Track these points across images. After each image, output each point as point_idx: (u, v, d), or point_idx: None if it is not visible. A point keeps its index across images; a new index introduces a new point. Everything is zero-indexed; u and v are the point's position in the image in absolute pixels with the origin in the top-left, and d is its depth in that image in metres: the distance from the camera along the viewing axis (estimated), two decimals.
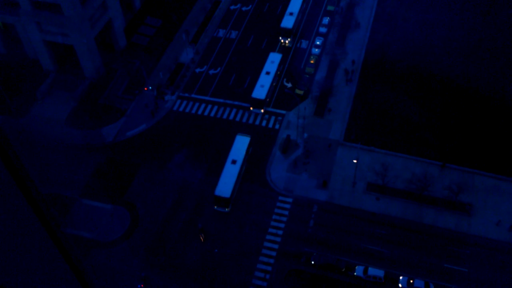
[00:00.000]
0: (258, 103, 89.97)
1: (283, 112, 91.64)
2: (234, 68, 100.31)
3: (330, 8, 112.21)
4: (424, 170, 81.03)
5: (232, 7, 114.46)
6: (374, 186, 79.90)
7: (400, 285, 69.29)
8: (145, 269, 71.45)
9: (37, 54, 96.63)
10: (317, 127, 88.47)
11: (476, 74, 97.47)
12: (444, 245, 73.61)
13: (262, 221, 76.54)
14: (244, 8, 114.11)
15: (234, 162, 79.07)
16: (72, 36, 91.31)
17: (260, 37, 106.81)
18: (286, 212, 77.60)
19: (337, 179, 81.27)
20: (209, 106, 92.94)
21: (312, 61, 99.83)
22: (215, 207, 76.76)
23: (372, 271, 70.01)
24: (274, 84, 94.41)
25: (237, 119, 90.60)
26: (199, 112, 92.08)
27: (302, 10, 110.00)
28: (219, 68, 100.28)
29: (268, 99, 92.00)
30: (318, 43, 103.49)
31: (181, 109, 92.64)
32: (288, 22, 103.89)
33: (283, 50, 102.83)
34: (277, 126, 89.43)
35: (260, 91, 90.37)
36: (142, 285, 69.23)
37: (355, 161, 79.05)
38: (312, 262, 71.22)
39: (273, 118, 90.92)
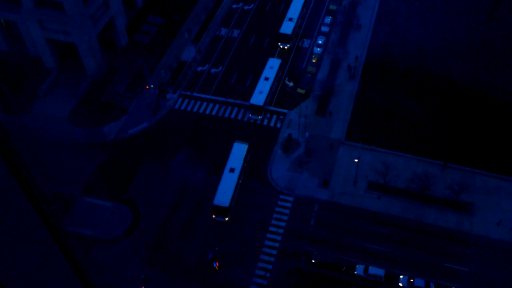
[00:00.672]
0: (257, 110, 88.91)
1: (285, 111, 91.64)
2: (235, 67, 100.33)
3: (332, 7, 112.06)
4: (425, 169, 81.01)
5: (234, 6, 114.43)
6: (375, 185, 79.90)
7: (400, 284, 69.33)
8: (145, 267, 71.55)
9: (39, 52, 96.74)
10: (318, 126, 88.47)
11: (478, 74, 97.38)
12: (444, 244, 73.62)
13: (263, 219, 76.60)
14: (246, 7, 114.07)
15: (232, 170, 77.74)
16: (74, 34, 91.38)
17: (262, 36, 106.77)
18: (287, 211, 77.64)
19: (338, 178, 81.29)
20: (211, 105, 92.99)
21: (314, 60, 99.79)
22: (214, 216, 75.19)
23: (372, 270, 70.05)
24: (273, 90, 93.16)
25: (239, 117, 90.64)
26: (201, 110, 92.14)
27: (302, 15, 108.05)
28: (220, 67, 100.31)
29: (266, 106, 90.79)
30: (320, 42, 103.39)
31: (182, 107, 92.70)
32: (287, 28, 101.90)
33: (282, 55, 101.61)
34: (278, 125, 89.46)
35: (259, 97, 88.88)
36: (143, 287, 69.14)
37: (356, 160, 79.05)
38: (313, 261, 71.28)
39: (274, 117, 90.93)
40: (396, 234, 74.77)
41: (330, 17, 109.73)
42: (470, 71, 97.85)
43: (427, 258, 72.26)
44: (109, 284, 69.66)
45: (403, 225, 75.67)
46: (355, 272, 70.52)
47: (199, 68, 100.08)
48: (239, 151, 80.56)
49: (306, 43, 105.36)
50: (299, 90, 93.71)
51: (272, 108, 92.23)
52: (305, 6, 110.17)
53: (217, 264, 70.61)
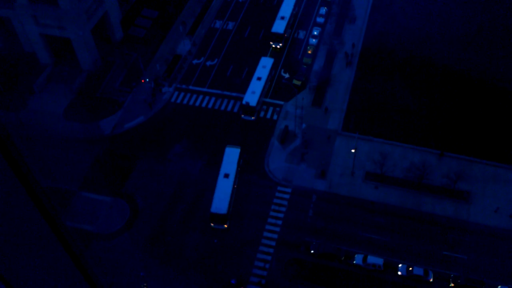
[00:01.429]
0: (249, 110, 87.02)
1: (281, 102, 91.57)
2: (231, 59, 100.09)
3: None
4: (423, 158, 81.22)
5: None
6: (373, 175, 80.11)
7: (399, 273, 69.73)
8: (145, 261, 71.71)
9: (34, 48, 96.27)
10: (315, 117, 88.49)
11: (475, 63, 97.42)
12: (442, 232, 73.99)
13: (261, 211, 76.79)
14: None
15: (226, 176, 76.08)
16: (68, 29, 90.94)
17: (257, 28, 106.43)
18: (285, 202, 77.83)
19: (336, 168, 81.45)
20: (207, 98, 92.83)
21: (309, 52, 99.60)
22: (212, 224, 73.93)
23: (371, 259, 70.40)
24: (265, 90, 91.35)
25: (235, 110, 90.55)
26: (197, 103, 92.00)
27: (294, 13, 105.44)
28: (216, 59, 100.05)
29: (259, 106, 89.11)
30: (315, 33, 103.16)
31: (178, 100, 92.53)
32: (279, 26, 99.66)
33: (275, 54, 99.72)
34: (275, 117, 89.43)
35: (251, 97, 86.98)
36: (145, 284, 69.03)
37: (353, 150, 79.17)
38: (312, 251, 71.56)
39: (271, 109, 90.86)
40: (394, 223, 75.07)
41: (325, 8, 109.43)
42: (466, 60, 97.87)
43: (425, 247, 72.63)
44: (108, 278, 69.81)
45: (401, 214, 75.98)
46: (354, 262, 70.86)
47: (195, 61, 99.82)
48: (232, 156, 78.77)
49: (301, 34, 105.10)
50: (295, 82, 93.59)
51: (268, 100, 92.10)
52: (297, 4, 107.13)
53: None
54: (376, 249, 72.55)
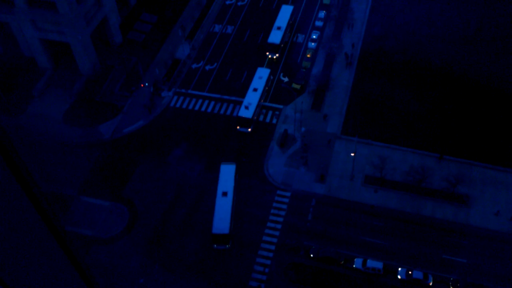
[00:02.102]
0: (245, 122, 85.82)
1: (280, 106, 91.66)
2: (230, 63, 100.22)
3: (326, 1, 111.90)
4: (422, 162, 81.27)
5: (228, 2, 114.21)
6: (372, 179, 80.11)
7: (399, 277, 69.65)
8: (145, 264, 71.60)
9: (33, 52, 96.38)
10: (314, 121, 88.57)
11: (474, 65, 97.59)
12: (442, 236, 73.95)
13: (261, 215, 76.73)
14: (239, 3, 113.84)
15: (225, 194, 74.34)
16: (67, 34, 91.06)
17: (256, 32, 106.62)
18: (285, 206, 77.80)
19: (335, 172, 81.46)
20: (206, 102, 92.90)
21: (308, 55, 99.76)
22: (214, 245, 71.97)
23: (371, 263, 70.34)
24: (262, 101, 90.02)
25: (234, 114, 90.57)
26: (196, 107, 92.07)
27: (290, 24, 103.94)
28: (215, 64, 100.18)
29: (255, 117, 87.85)
30: (314, 37, 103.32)
31: (178, 105, 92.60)
32: (275, 37, 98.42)
33: (272, 62, 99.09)
34: (274, 121, 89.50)
35: (247, 109, 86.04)
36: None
37: (352, 154, 79.21)
38: (311, 255, 71.49)
39: (270, 112, 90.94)
40: (393, 227, 75.04)
41: (324, 11, 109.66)
42: (466, 62, 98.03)
43: (425, 250, 72.58)
44: (108, 282, 69.69)
45: (400, 217, 75.95)
46: (354, 266, 70.80)
47: (194, 65, 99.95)
48: (228, 173, 77.10)
49: (300, 38, 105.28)
50: (294, 85, 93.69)
51: (267, 104, 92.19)
52: (293, 14, 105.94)
53: None
54: (376, 253, 72.48)
